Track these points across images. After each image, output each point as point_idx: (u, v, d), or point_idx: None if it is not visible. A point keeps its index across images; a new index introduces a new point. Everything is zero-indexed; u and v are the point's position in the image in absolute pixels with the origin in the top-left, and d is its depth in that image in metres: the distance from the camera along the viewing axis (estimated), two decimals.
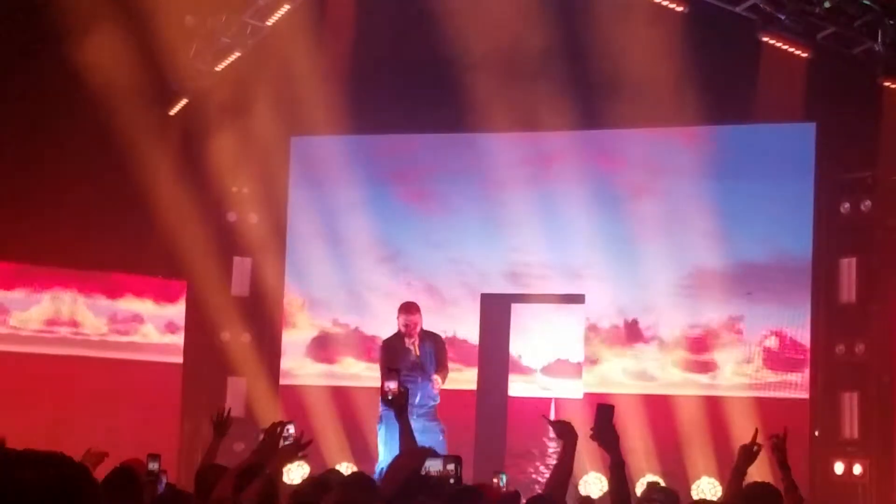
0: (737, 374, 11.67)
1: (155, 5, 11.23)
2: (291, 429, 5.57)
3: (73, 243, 12.07)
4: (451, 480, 4.51)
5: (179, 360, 12.96)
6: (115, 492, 5.00)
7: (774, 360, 11.59)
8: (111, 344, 12.72)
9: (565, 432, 5.23)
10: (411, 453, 5.12)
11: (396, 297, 12.61)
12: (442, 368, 9.44)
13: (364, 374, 12.56)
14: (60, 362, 12.37)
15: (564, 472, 5.25)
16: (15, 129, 11.67)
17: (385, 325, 12.61)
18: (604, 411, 4.69)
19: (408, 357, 9.26)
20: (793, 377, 11.48)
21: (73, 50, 11.20)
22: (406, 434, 5.19)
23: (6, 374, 12.02)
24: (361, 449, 11.32)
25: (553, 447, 11.52)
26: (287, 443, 5.52)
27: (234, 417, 12.55)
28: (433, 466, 4.55)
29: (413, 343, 9.30)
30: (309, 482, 4.42)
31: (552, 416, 11.97)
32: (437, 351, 9.45)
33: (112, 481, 5.18)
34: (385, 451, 8.91)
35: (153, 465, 5.76)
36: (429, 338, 9.52)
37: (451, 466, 4.56)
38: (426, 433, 8.82)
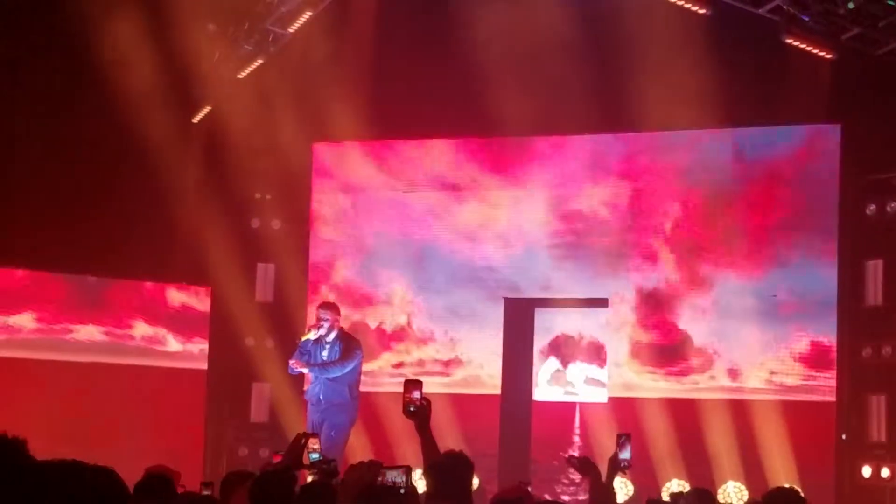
0: (764, 377, 11.59)
1: (178, 14, 11.27)
2: (316, 444, 5.64)
3: (97, 250, 12.11)
4: (402, 490, 4.51)
5: (204, 366, 12.99)
6: (149, 498, 5.03)
7: (801, 363, 11.51)
8: (136, 349, 12.75)
9: (587, 469, 5.30)
10: (361, 467, 5.16)
11: (419, 300, 12.65)
12: (338, 361, 9.43)
13: (386, 380, 12.54)
14: (86, 368, 12.41)
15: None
16: (38, 137, 11.73)
17: (407, 328, 12.66)
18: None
19: (316, 353, 9.41)
20: (819, 380, 11.40)
21: (98, 58, 11.26)
22: (428, 446, 5.05)
23: (32, 379, 12.06)
24: (386, 454, 11.31)
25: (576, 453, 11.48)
26: (312, 455, 5.60)
27: (258, 423, 12.75)
28: (392, 476, 4.62)
29: (318, 330, 9.40)
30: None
31: (577, 421, 11.99)
32: (343, 349, 9.46)
33: (145, 488, 5.21)
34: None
35: (206, 492, 5.86)
36: (344, 339, 9.57)
37: (397, 475, 4.60)
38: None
